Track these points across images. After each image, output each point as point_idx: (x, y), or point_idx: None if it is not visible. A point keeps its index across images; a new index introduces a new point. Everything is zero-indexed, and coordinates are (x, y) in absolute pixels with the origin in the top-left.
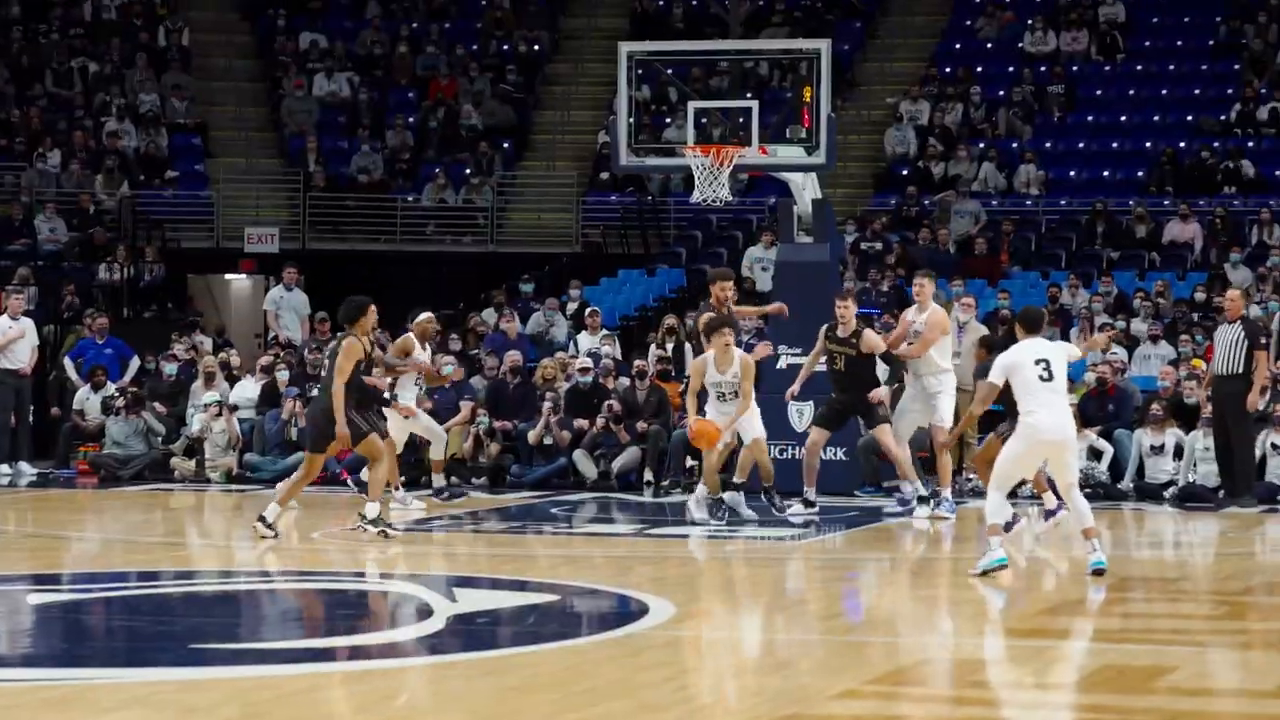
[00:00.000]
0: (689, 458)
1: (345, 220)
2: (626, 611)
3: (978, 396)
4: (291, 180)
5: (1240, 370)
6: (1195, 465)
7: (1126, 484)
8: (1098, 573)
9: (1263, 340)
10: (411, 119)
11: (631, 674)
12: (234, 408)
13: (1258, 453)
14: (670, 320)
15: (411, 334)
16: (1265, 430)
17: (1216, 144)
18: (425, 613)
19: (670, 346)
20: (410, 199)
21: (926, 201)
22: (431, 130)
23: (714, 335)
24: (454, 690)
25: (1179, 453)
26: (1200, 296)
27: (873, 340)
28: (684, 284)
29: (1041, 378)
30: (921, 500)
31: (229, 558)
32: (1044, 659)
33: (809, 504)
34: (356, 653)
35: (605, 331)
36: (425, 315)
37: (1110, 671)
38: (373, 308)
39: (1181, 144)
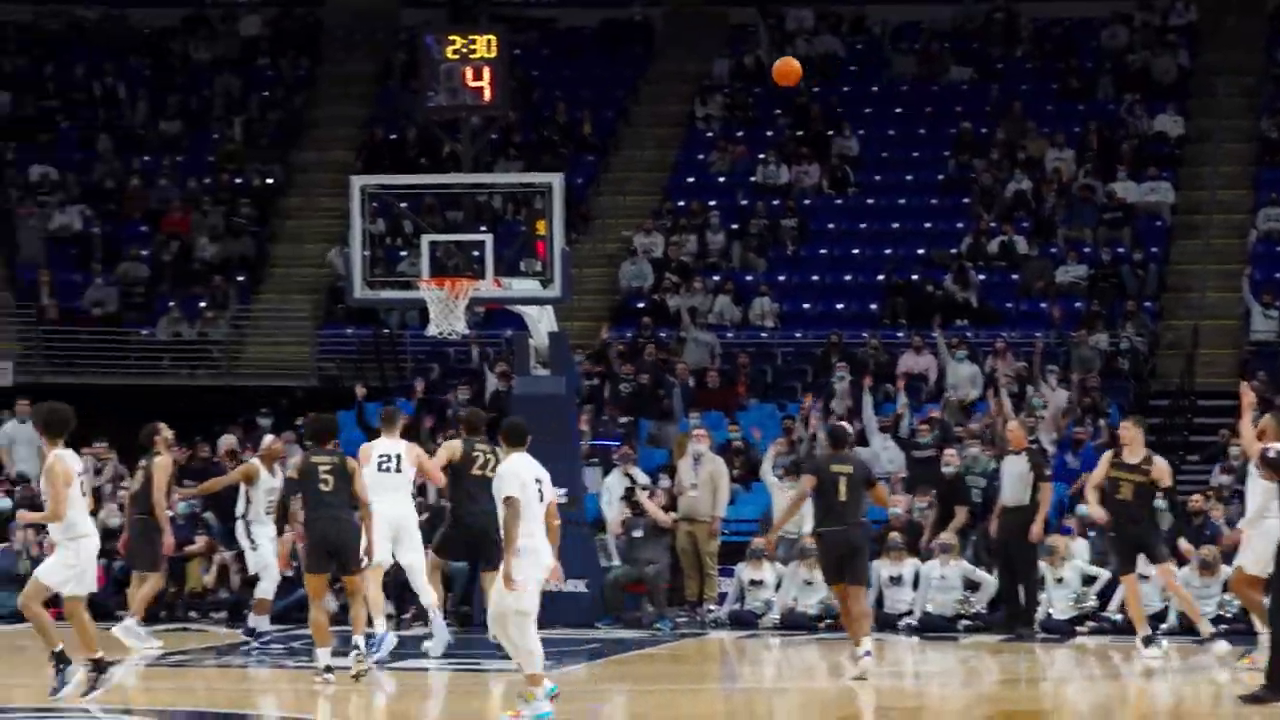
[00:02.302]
0: None
1: (79, 354)
2: None
3: None
4: (25, 313)
5: (1026, 502)
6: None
7: None
8: None
9: (1047, 472)
10: (145, 252)
11: None
12: None
13: None
14: None
15: (257, 459)
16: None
17: (947, 276)
18: None
19: None
20: (145, 333)
21: (662, 334)
22: (166, 263)
23: None
24: None
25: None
26: None
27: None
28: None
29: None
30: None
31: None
32: None
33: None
34: None
35: None
36: (270, 438)
37: None
38: None
39: (913, 276)
